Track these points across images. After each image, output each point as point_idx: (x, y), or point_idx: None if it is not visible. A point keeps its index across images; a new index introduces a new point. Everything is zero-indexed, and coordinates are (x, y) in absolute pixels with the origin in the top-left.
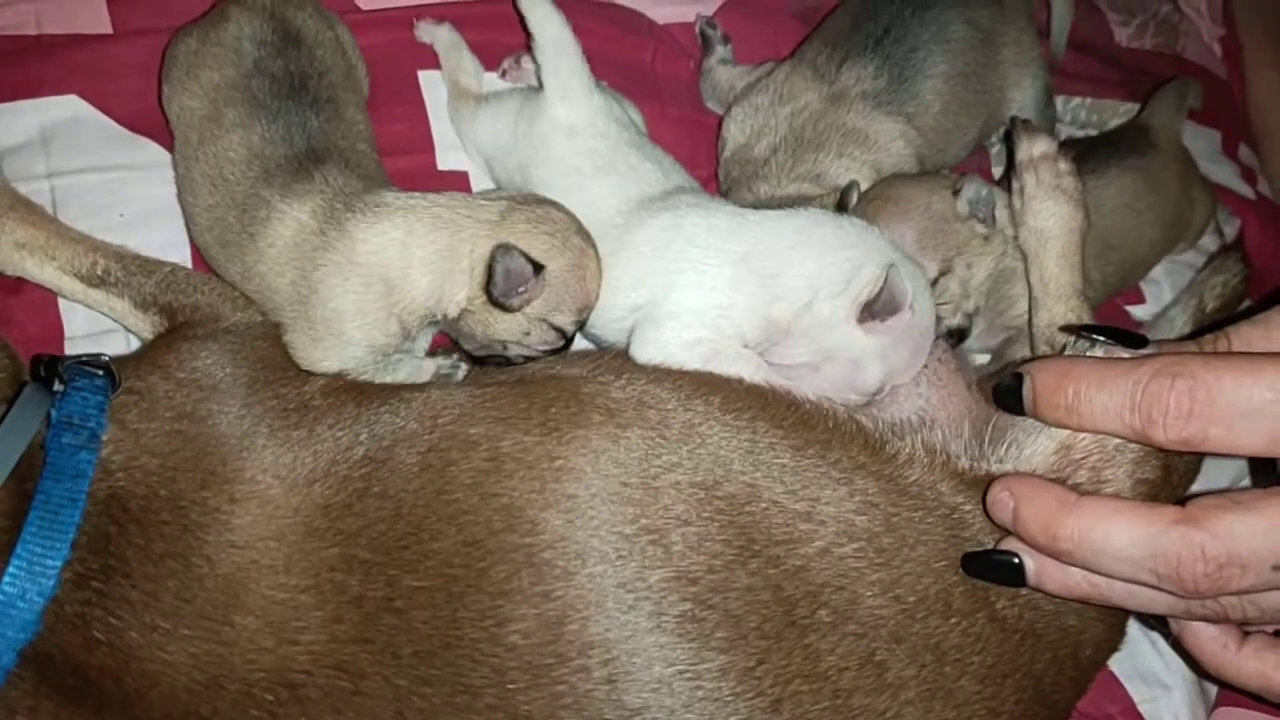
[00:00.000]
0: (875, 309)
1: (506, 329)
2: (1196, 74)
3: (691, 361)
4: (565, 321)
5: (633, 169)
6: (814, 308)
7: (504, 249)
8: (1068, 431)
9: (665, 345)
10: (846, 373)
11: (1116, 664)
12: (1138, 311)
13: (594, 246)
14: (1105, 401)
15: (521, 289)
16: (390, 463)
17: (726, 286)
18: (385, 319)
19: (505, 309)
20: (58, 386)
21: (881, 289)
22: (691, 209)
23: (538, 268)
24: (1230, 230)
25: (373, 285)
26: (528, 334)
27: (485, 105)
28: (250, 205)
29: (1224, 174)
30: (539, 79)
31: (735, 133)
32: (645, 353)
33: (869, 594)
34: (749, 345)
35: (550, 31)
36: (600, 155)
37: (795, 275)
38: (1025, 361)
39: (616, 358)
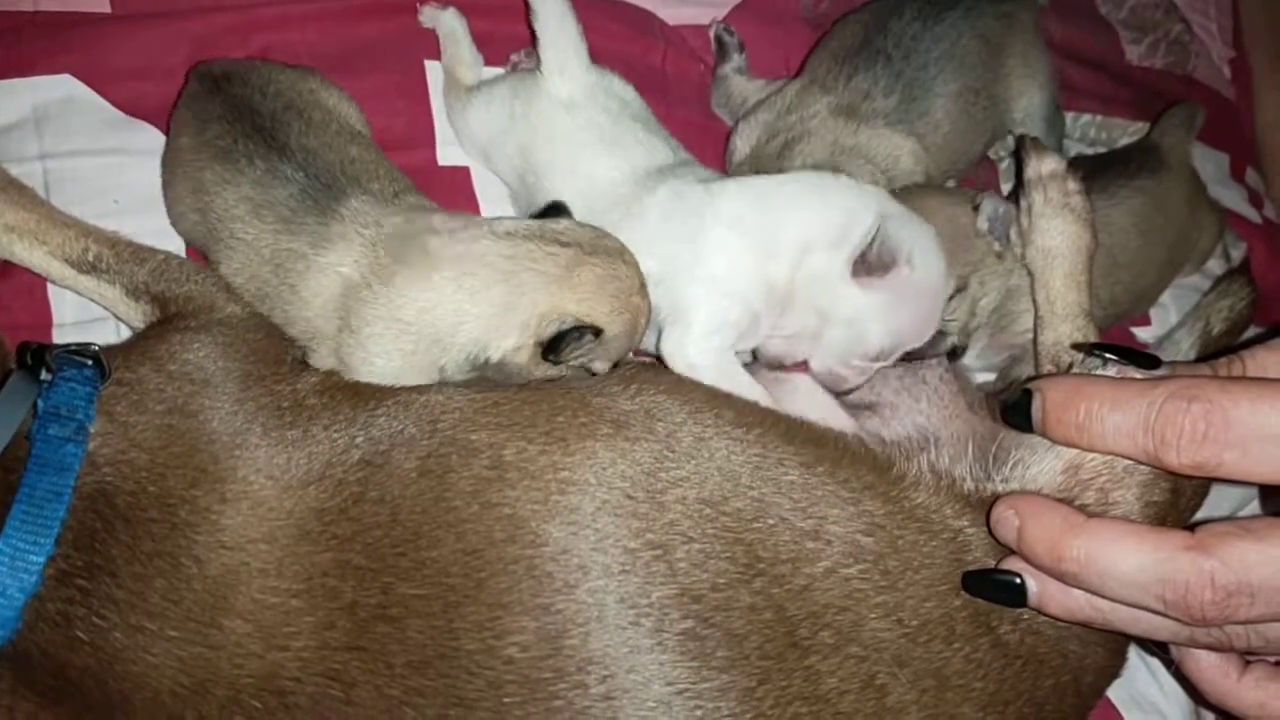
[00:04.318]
0: (870, 262)
1: (543, 371)
2: (1206, 95)
3: (710, 363)
4: (603, 367)
5: (639, 143)
6: (808, 261)
7: (578, 331)
8: (1076, 451)
9: (684, 347)
10: (847, 337)
11: (1113, 690)
12: (1143, 334)
13: (649, 302)
14: (1118, 422)
15: (578, 352)
16: (387, 467)
17: (722, 253)
18: (431, 371)
19: (552, 363)
20: (45, 376)
21: (874, 240)
22: (697, 180)
23: (597, 332)
24: (1237, 254)
25: (422, 343)
26: (563, 375)
27: (477, 93)
28: (282, 259)
29: (1231, 197)
30: (538, 54)
31: (742, 145)
32: (667, 350)
33: (872, 616)
34: (761, 319)
35: (551, 5)
36: (604, 129)
37: (790, 228)
38: (1033, 379)
39: (626, 366)
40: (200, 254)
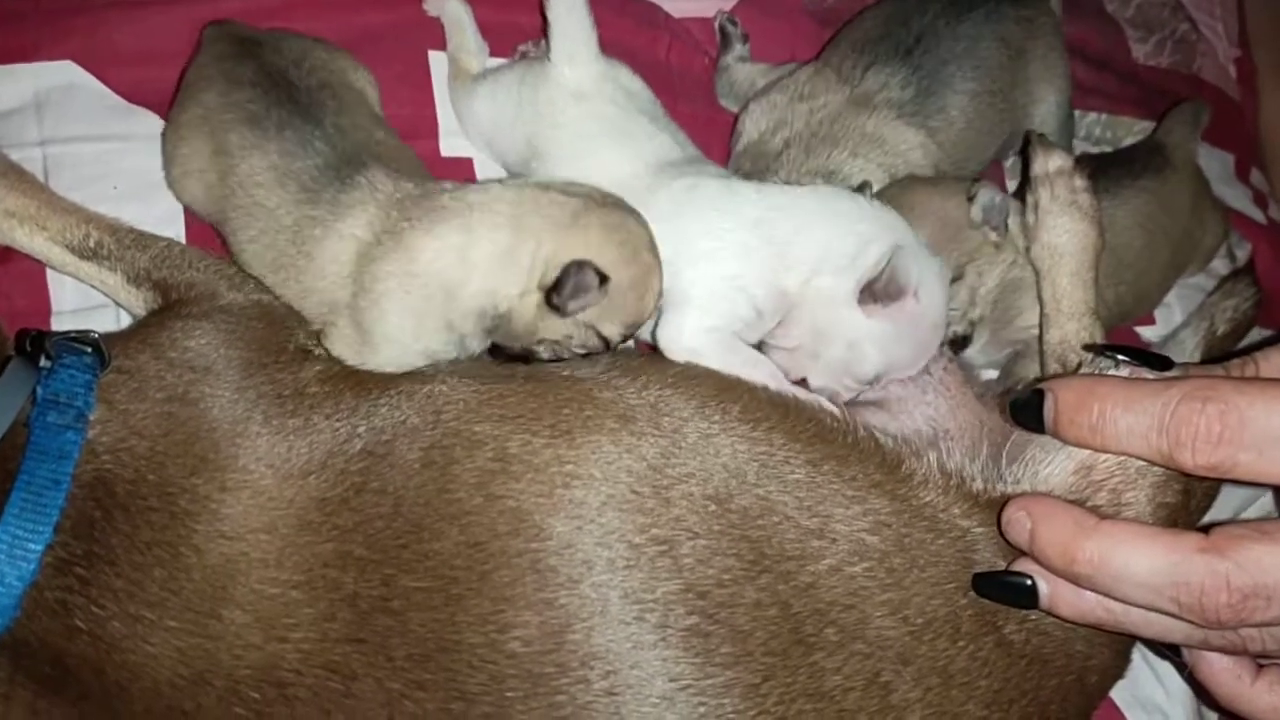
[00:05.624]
0: (876, 291)
1: (551, 329)
2: (1211, 94)
3: (708, 350)
4: (613, 332)
5: (648, 136)
6: (818, 281)
7: (579, 265)
8: (1088, 452)
9: (681, 333)
10: (843, 358)
11: (1116, 691)
12: (1147, 333)
13: (660, 264)
14: (1131, 423)
15: (584, 299)
16: (390, 458)
17: (739, 253)
18: (445, 327)
19: (558, 312)
20: (44, 363)
21: (884, 270)
22: (713, 177)
23: (603, 279)
24: (1242, 254)
25: (433, 296)
26: (570, 336)
27: (484, 81)
28: (302, 226)
29: (1236, 198)
30: (548, 42)
31: (750, 128)
32: (663, 336)
33: (877, 614)
34: (764, 318)
35: None
36: (612, 121)
37: (806, 243)
38: (1042, 379)
39: (634, 359)
40: (205, 224)
